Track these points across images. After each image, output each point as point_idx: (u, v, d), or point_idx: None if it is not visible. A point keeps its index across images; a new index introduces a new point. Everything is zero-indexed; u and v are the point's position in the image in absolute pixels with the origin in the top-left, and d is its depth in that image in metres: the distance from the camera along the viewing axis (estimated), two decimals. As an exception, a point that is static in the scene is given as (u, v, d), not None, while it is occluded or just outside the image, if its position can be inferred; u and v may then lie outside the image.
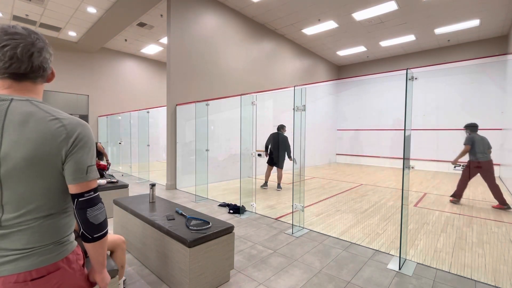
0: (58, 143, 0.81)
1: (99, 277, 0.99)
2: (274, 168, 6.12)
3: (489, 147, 4.48)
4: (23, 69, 0.83)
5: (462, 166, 4.64)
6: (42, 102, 0.87)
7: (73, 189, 0.86)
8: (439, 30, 8.15)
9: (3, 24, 0.84)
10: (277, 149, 5.86)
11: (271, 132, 6.14)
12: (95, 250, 0.92)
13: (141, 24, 7.80)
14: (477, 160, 4.44)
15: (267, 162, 6.06)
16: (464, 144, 4.52)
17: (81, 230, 0.88)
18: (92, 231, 0.88)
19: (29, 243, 0.80)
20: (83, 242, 0.91)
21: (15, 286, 0.78)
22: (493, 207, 4.51)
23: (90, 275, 1.00)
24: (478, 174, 4.54)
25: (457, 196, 4.78)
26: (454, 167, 4.61)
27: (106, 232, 0.93)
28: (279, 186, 5.96)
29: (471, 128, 4.63)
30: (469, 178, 4.57)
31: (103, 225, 0.91)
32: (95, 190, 0.91)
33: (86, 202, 0.87)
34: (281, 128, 5.98)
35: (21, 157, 0.77)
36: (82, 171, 0.86)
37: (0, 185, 0.78)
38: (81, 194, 0.86)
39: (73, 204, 0.87)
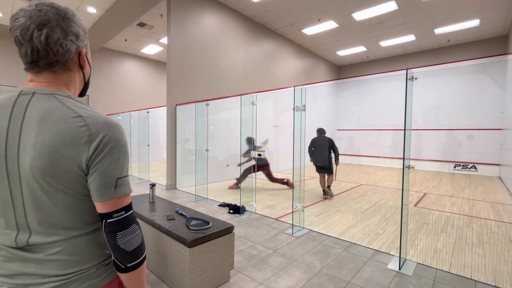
0: (78, 148, 0.64)
1: None
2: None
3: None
4: (29, 55, 0.67)
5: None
6: (68, 97, 0.70)
7: (99, 207, 0.69)
8: (439, 30, 8.15)
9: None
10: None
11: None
12: (131, 282, 0.75)
13: (141, 24, 7.80)
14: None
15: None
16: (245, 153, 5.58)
17: (112, 257, 0.72)
18: (125, 259, 0.71)
19: (68, 268, 0.68)
20: (117, 271, 0.75)
21: None
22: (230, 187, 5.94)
23: None
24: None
25: (238, 183, 5.79)
26: (239, 165, 5.88)
27: (143, 260, 0.75)
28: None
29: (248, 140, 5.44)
30: (253, 171, 5.37)
31: (138, 252, 0.72)
32: (128, 208, 0.72)
33: (116, 224, 0.69)
34: None
35: (36, 165, 0.62)
36: (109, 185, 0.68)
37: (22, 200, 0.65)
38: (109, 215, 0.69)
39: (102, 225, 0.71)
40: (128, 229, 0.71)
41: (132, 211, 0.74)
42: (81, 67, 0.77)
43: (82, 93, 0.87)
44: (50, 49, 0.67)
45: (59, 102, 0.67)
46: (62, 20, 0.68)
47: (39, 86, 0.69)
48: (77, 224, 0.70)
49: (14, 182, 0.65)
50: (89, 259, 0.71)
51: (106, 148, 0.67)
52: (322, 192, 5.34)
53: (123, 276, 0.74)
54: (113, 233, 0.69)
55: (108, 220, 0.69)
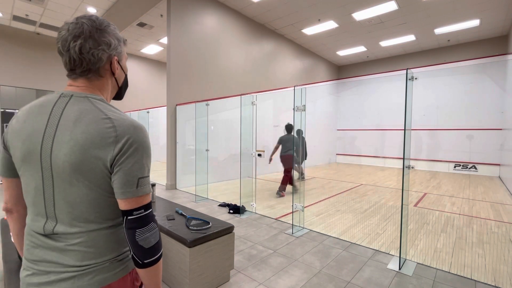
0: (105, 147, 0.69)
1: None
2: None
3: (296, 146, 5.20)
4: (68, 64, 0.75)
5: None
6: (101, 100, 0.77)
7: (121, 204, 0.73)
8: (439, 30, 8.15)
9: None
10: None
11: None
12: (147, 278, 0.78)
13: (141, 24, 7.79)
14: (283, 155, 5.28)
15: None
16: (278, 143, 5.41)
17: (131, 253, 0.76)
18: (142, 255, 0.74)
19: (84, 260, 0.72)
20: (135, 267, 0.79)
21: None
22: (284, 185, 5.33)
23: None
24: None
25: (281, 188, 5.32)
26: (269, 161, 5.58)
27: (160, 257, 0.79)
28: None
29: (287, 128, 5.36)
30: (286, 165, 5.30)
31: (155, 249, 0.76)
32: (147, 206, 0.76)
33: (136, 222, 0.73)
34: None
35: (68, 161, 0.68)
36: (131, 184, 0.72)
37: (53, 192, 0.71)
38: (129, 212, 0.73)
39: (123, 221, 0.75)
40: (147, 226, 0.75)
41: (151, 210, 0.77)
42: (113, 74, 0.83)
43: (118, 96, 0.94)
44: (84, 58, 0.74)
45: (92, 105, 0.74)
46: (96, 31, 0.74)
47: (77, 90, 0.76)
48: (97, 218, 0.74)
49: (46, 175, 0.71)
50: (105, 253, 0.75)
51: (131, 149, 0.72)
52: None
53: (140, 272, 0.77)
54: (133, 230, 0.73)
55: (129, 217, 0.73)
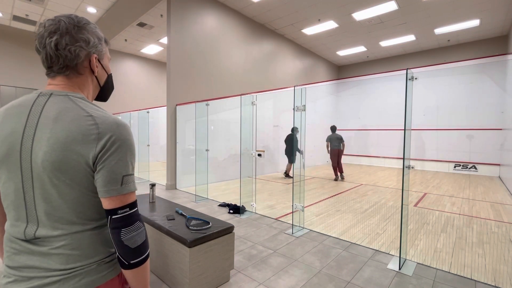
0: (87, 145, 0.67)
1: None
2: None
3: (342, 140, 7.25)
4: (45, 61, 0.73)
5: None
6: (81, 98, 0.74)
7: (105, 203, 0.71)
8: (439, 30, 8.15)
9: None
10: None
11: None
12: (134, 279, 0.75)
13: (141, 24, 7.79)
14: (333, 149, 7.22)
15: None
16: (326, 141, 7.44)
17: (116, 253, 0.73)
18: (128, 256, 0.72)
19: (69, 263, 0.69)
20: (121, 268, 0.76)
21: None
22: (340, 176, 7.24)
23: None
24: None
25: (335, 174, 7.31)
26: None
27: (146, 257, 0.76)
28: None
29: (332, 128, 7.45)
30: (333, 158, 7.25)
31: (141, 249, 0.73)
32: (132, 205, 0.74)
33: (120, 221, 0.71)
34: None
35: (49, 159, 0.66)
36: (115, 182, 0.70)
37: (33, 194, 0.68)
38: (114, 211, 0.71)
39: (107, 221, 0.72)
40: (132, 226, 0.72)
41: (136, 208, 0.76)
42: (93, 71, 0.81)
43: (102, 97, 0.91)
44: (60, 55, 0.72)
45: (73, 103, 0.72)
46: (73, 27, 0.73)
47: (56, 88, 0.74)
48: (81, 219, 0.72)
49: (26, 176, 0.68)
50: (91, 255, 0.72)
51: (114, 146, 0.70)
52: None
53: (127, 273, 0.75)
54: (118, 229, 0.71)
55: (113, 216, 0.71)
